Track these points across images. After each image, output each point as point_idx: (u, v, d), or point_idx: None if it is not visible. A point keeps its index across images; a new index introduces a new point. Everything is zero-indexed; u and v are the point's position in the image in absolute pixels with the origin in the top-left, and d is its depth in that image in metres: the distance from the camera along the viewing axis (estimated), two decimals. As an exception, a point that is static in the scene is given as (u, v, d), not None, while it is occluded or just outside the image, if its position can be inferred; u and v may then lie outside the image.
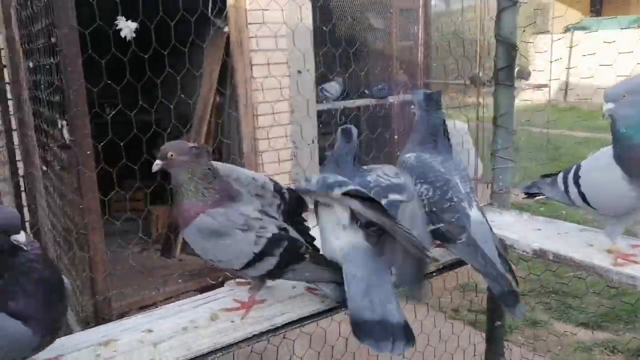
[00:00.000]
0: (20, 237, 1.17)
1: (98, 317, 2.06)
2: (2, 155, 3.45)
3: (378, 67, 6.31)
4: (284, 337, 3.45)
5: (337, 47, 4.88)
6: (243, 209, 1.58)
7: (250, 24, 4.98)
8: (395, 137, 5.98)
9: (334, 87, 5.82)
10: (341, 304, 1.61)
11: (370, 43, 6.48)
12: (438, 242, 1.85)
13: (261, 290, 1.70)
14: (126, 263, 4.46)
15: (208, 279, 5.20)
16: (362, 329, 1.44)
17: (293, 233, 1.62)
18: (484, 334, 2.56)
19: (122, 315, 2.69)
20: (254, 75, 5.05)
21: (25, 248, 1.18)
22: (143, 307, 4.26)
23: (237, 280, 1.87)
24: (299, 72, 5.24)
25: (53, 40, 2.01)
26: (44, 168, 2.71)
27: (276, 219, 1.63)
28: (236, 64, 5.02)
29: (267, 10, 4.94)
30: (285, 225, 1.62)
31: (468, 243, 1.72)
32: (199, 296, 1.81)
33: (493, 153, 2.31)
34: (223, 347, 1.54)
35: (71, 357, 1.46)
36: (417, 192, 1.80)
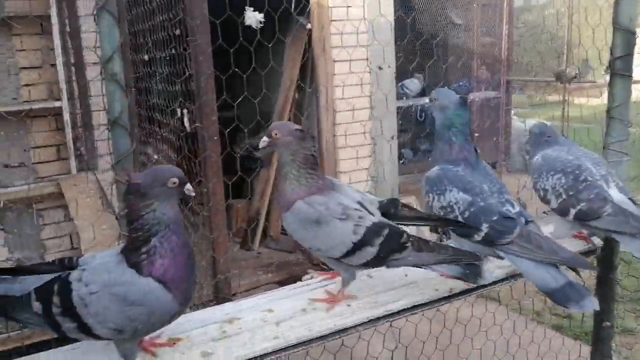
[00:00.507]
0: (190, 187, 1.24)
1: (218, 296, 2.13)
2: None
3: (459, 63, 6.20)
4: (359, 337, 3.47)
5: (417, 44, 4.84)
6: (343, 198, 1.57)
7: (332, 20, 5.02)
8: (476, 134, 5.85)
9: (413, 83, 5.77)
10: (464, 278, 1.59)
11: (451, 39, 6.39)
12: (580, 232, 1.86)
13: (350, 285, 1.67)
14: (208, 253, 4.59)
15: (285, 273, 5.30)
16: (557, 296, 1.55)
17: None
18: (569, 339, 2.46)
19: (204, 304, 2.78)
20: (335, 71, 5.08)
21: (193, 194, 1.24)
22: (204, 305, 4.38)
23: (319, 272, 1.87)
24: (380, 68, 5.23)
25: (177, 32, 2.09)
26: (156, 157, 2.82)
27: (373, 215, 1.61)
28: (317, 60, 5.07)
29: (350, 7, 4.96)
30: (385, 220, 1.60)
31: (615, 212, 1.75)
32: (297, 284, 1.82)
33: (605, 146, 2.22)
34: (341, 329, 1.55)
35: (199, 332, 1.51)
36: (447, 203, 1.72)
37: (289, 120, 5.49)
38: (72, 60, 4.43)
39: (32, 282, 1.33)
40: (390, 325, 3.22)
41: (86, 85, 3.79)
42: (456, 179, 1.71)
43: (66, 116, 4.40)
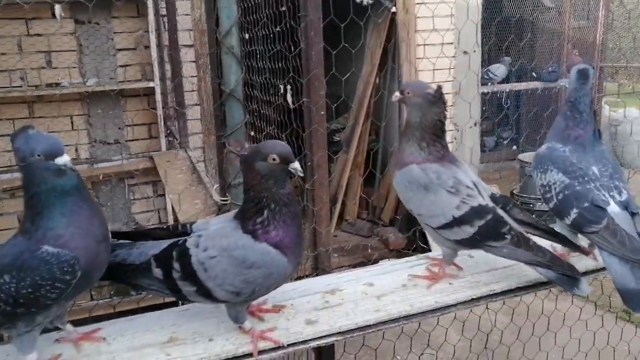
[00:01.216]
0: (296, 165, 1.26)
1: (318, 268, 2.18)
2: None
3: (548, 48, 5.95)
4: (437, 323, 3.42)
5: (505, 28, 4.68)
6: (459, 173, 1.57)
7: (417, 3, 4.94)
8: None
9: (499, 69, 5.60)
10: (559, 283, 1.54)
11: (541, 22, 6.13)
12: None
13: (452, 264, 1.67)
14: (309, 226, 4.67)
15: (361, 256, 5.32)
16: (632, 299, 1.46)
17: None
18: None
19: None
20: (418, 55, 5.01)
21: (301, 174, 1.26)
22: (298, 278, 4.46)
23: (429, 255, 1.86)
24: (465, 52, 5.12)
25: (283, 9, 2.13)
26: (251, 134, 2.90)
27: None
28: (401, 43, 5.01)
29: (435, -11, 4.86)
30: (493, 205, 1.58)
31: (607, 226, 1.53)
32: (398, 260, 1.82)
33: None
34: (442, 307, 1.55)
35: (302, 300, 1.55)
36: (547, 183, 1.64)
37: (369, 106, 5.47)
38: (166, 42, 4.61)
39: (149, 248, 1.40)
40: (471, 311, 3.17)
41: (180, 66, 3.93)
42: (559, 159, 1.65)
43: (158, 96, 4.60)
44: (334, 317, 1.48)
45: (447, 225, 1.54)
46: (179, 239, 1.38)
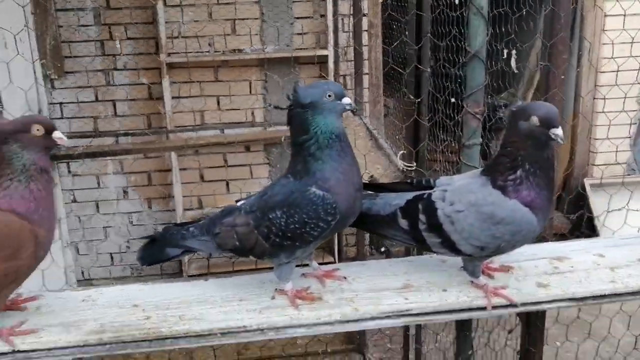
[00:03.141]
0: (557, 131, 1.25)
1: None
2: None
3: None
4: (599, 313, 3.20)
5: None
6: None
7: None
8: None
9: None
10: None
11: None
12: None
13: None
14: None
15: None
16: None
17: None
18: None
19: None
20: (605, 27, 4.64)
21: (561, 142, 1.26)
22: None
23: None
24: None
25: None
26: (452, 100, 2.91)
27: None
28: (586, 13, 4.68)
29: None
30: None
31: None
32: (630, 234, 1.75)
33: None
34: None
35: (529, 264, 1.55)
36: None
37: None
38: (341, 11, 4.73)
39: (392, 199, 1.47)
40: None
41: (360, 34, 4.02)
42: None
43: (330, 63, 4.75)
44: (565, 283, 1.46)
45: None
46: (422, 192, 1.44)
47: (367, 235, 4.52)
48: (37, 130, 1.25)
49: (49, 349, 1.27)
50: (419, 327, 3.09)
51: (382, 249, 4.62)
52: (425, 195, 1.41)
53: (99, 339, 1.28)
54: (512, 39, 2.40)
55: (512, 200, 1.30)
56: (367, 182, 1.61)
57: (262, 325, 1.35)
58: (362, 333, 4.13)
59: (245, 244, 1.37)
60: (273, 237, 1.34)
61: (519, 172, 1.30)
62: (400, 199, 1.46)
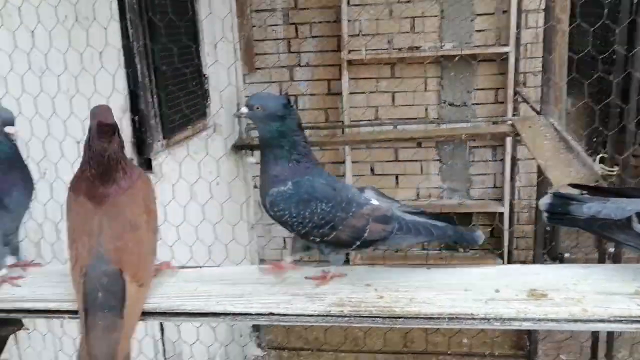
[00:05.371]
0: None
1: None
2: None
3: None
4: None
5: None
6: None
7: None
8: None
9: None
10: None
11: None
12: None
13: None
14: None
15: None
16: None
17: None
18: None
19: None
20: None
21: None
22: None
23: None
24: None
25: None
26: None
27: None
28: None
29: None
30: None
31: None
32: None
33: None
34: None
35: None
36: None
37: None
38: (525, 7, 4.57)
39: (626, 204, 1.43)
40: None
41: (550, 33, 3.87)
42: None
43: (511, 61, 4.62)
44: None
45: None
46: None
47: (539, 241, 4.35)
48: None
49: (298, 315, 1.45)
50: (611, 337, 2.94)
51: (559, 257, 4.41)
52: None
53: (340, 311, 1.43)
54: None
55: None
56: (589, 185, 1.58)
57: (489, 315, 1.40)
58: (534, 340, 4.00)
59: None
60: None
61: None
62: (634, 204, 1.41)
